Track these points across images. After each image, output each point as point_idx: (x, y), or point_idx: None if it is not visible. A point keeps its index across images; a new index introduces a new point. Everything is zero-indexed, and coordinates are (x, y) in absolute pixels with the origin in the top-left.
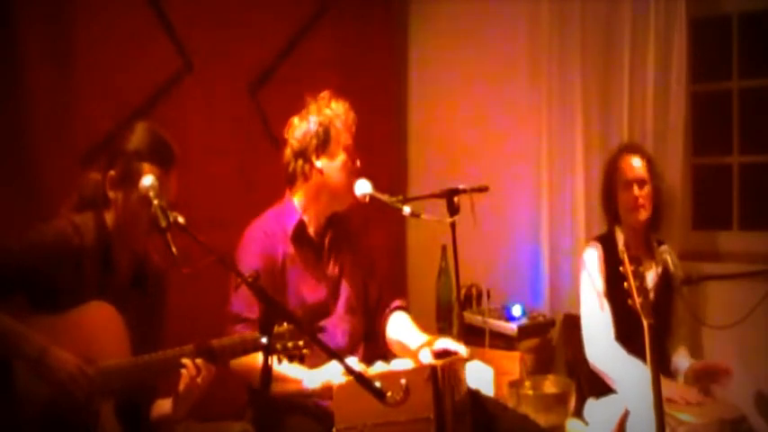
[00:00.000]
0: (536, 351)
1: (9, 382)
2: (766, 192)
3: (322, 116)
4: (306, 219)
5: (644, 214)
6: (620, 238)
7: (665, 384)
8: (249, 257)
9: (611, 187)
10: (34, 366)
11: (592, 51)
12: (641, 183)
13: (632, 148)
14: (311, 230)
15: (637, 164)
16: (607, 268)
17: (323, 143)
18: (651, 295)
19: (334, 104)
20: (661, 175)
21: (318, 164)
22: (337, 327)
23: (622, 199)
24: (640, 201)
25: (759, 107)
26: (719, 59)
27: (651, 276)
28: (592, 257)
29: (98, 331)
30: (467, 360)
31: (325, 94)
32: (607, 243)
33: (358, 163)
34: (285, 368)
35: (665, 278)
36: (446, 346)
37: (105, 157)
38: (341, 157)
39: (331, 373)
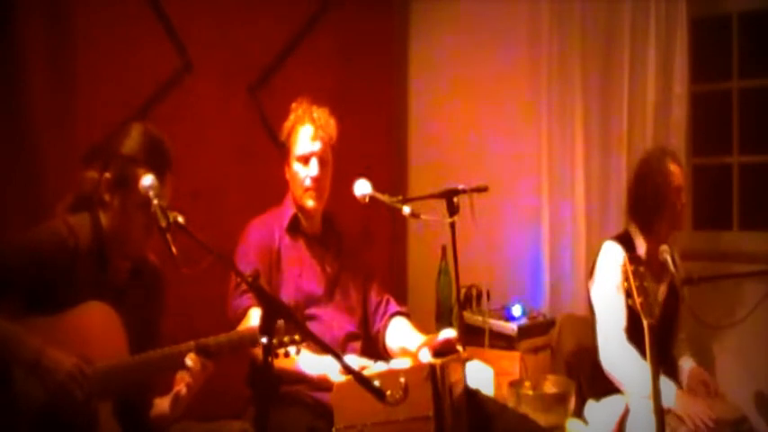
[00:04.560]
0: (536, 351)
1: (7, 383)
2: (766, 192)
3: (287, 125)
4: (300, 215)
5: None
6: (641, 244)
7: (680, 399)
8: (246, 249)
9: (657, 192)
10: (32, 369)
11: (592, 52)
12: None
13: (673, 154)
14: (306, 225)
15: (679, 171)
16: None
17: (286, 154)
18: (660, 305)
19: (300, 111)
20: None
21: (288, 173)
22: (333, 319)
23: (672, 205)
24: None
25: (759, 107)
26: (719, 59)
27: (662, 287)
28: (617, 254)
29: (95, 331)
30: (466, 359)
31: (300, 99)
32: (626, 245)
33: (313, 171)
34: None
35: (671, 285)
36: (448, 336)
37: (101, 158)
38: (293, 168)
39: (329, 365)
